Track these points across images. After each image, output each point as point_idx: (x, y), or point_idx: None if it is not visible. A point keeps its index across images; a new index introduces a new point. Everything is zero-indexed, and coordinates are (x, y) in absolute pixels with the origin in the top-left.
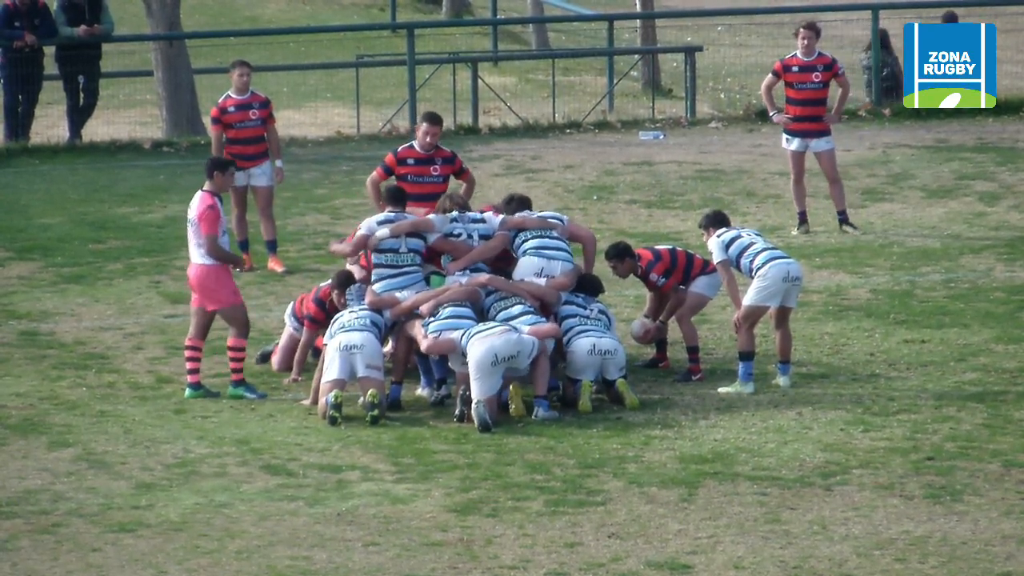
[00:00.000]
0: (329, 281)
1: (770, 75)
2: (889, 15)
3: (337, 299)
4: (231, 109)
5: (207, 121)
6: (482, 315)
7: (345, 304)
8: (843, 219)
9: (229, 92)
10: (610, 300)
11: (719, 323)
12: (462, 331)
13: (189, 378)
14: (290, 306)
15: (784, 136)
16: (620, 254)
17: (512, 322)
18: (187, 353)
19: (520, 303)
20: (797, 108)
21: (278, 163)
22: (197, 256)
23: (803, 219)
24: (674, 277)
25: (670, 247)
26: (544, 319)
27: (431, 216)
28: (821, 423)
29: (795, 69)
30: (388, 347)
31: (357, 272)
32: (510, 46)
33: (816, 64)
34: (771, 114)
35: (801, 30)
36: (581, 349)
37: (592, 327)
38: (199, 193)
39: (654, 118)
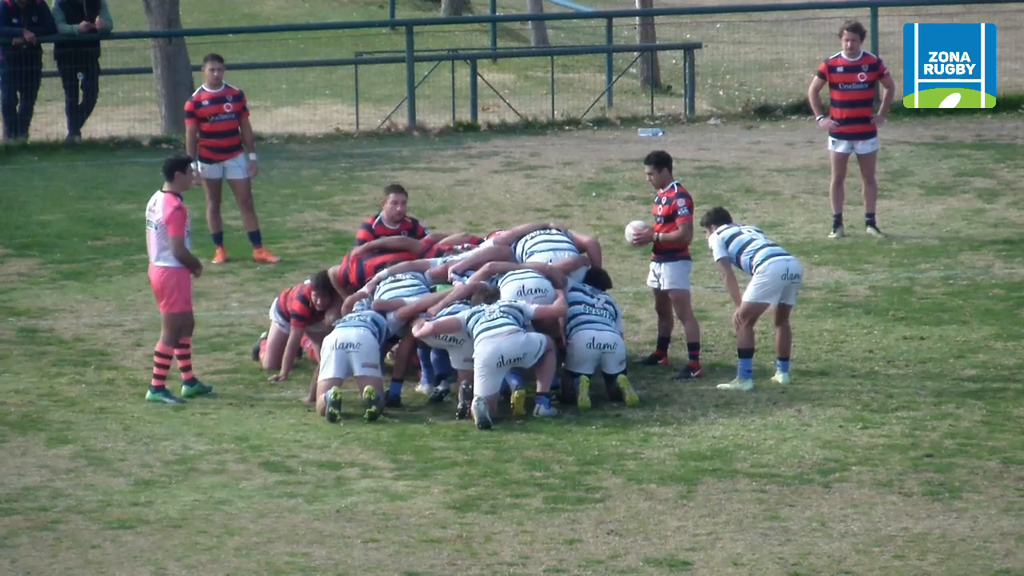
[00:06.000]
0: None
1: (816, 77)
2: (888, 13)
3: (315, 299)
4: (205, 103)
5: None
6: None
7: (323, 304)
8: (870, 221)
9: (203, 86)
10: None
11: (718, 320)
12: (469, 311)
13: (183, 375)
14: (275, 301)
15: (830, 139)
16: (660, 162)
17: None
18: (177, 352)
19: (502, 316)
20: (842, 110)
21: (252, 156)
22: (160, 258)
23: (839, 222)
24: (688, 231)
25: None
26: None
27: (427, 260)
28: (820, 420)
29: (840, 70)
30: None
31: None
32: (509, 43)
33: (861, 64)
34: (817, 118)
35: (845, 31)
36: (580, 342)
37: (595, 318)
38: (160, 195)
39: (653, 115)
